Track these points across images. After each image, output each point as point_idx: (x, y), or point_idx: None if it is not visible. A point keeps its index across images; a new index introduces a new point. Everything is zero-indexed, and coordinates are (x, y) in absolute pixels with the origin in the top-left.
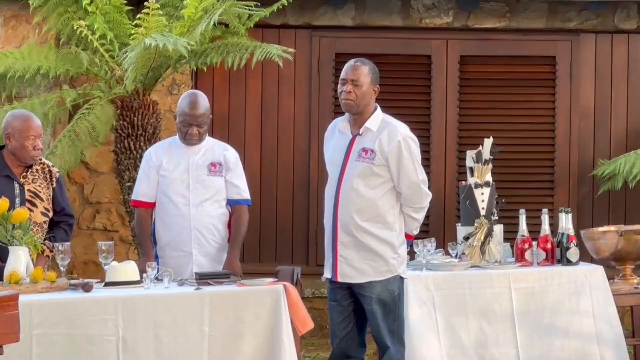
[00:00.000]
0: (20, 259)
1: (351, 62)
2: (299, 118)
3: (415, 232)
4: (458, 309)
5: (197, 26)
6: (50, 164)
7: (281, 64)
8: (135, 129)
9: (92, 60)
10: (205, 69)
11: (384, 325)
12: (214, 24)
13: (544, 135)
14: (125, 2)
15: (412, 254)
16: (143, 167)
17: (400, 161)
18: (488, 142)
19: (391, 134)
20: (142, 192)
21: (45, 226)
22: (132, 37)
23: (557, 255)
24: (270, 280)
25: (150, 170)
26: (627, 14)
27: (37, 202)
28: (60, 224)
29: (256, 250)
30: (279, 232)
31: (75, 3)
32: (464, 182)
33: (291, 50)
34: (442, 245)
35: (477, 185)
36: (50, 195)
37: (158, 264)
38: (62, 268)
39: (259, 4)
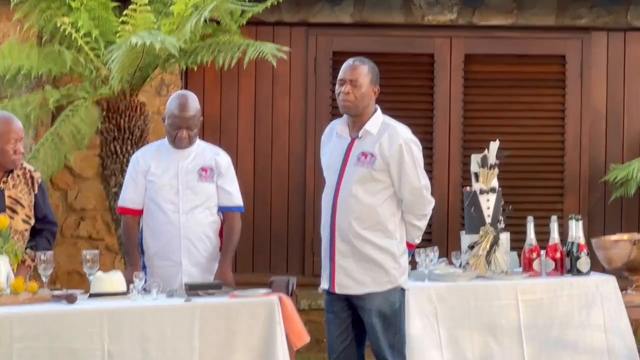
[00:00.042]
0: None
1: (349, 61)
2: (295, 120)
3: (417, 241)
4: (462, 322)
5: (186, 23)
6: (32, 169)
7: (274, 63)
8: (121, 131)
9: (76, 59)
10: (195, 68)
11: (383, 339)
12: (205, 21)
13: (552, 139)
14: None
15: (413, 264)
16: (129, 172)
17: (402, 166)
18: (494, 146)
19: (392, 137)
20: (128, 198)
21: (27, 234)
22: (118, 35)
23: (566, 265)
24: (264, 291)
25: (137, 175)
26: None
27: (18, 208)
28: (42, 231)
29: (249, 259)
30: (273, 240)
31: None
32: (468, 188)
33: (286, 48)
34: (445, 254)
35: (482, 191)
36: (31, 202)
37: (145, 274)
38: (44, 278)
39: None
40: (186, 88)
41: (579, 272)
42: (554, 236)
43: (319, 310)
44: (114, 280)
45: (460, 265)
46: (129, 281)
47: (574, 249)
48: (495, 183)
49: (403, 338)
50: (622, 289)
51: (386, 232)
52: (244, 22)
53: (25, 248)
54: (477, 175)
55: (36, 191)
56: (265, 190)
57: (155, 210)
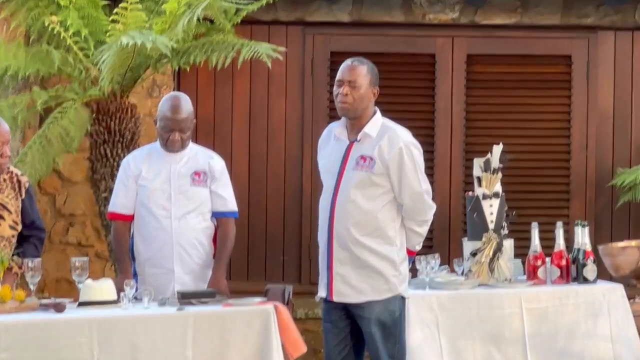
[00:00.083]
0: None
1: (348, 62)
2: (291, 122)
3: (418, 248)
4: (464, 331)
5: (179, 22)
6: (19, 173)
7: (269, 64)
8: (111, 134)
9: (64, 59)
10: (188, 69)
11: (383, 348)
12: (198, 20)
13: (557, 142)
14: None
15: (414, 271)
16: (120, 176)
17: (402, 169)
18: (497, 149)
19: (392, 140)
20: (119, 203)
21: (14, 240)
22: (108, 34)
23: (572, 273)
24: (259, 299)
25: (128, 179)
26: None
27: (5, 214)
28: (29, 238)
29: (244, 266)
30: (269, 246)
31: None
32: (470, 193)
33: (282, 48)
34: (446, 261)
35: (485, 196)
36: (18, 207)
37: (136, 282)
38: (31, 286)
39: None
40: (179, 89)
41: (585, 280)
42: (560, 243)
43: (316, 319)
44: (104, 288)
45: (462, 273)
46: (120, 289)
47: (580, 256)
48: (498, 188)
49: (403, 348)
50: (630, 297)
51: (386, 239)
52: (239, 21)
53: (12, 255)
54: (479, 180)
55: (23, 196)
56: (261, 195)
57: (147, 215)
